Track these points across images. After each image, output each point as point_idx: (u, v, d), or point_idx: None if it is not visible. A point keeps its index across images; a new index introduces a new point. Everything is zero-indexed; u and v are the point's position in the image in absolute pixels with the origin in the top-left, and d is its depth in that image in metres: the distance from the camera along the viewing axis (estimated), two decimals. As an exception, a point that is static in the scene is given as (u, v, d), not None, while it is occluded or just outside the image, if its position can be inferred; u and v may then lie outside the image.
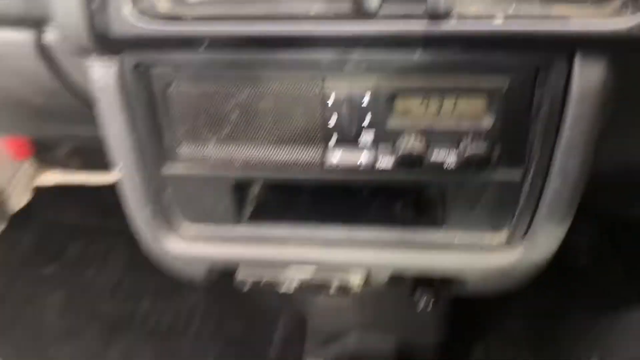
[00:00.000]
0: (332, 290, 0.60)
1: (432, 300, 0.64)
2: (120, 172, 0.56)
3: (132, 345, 1.30)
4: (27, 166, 1.57)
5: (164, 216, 0.59)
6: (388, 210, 0.59)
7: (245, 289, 0.61)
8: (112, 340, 1.31)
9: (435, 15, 0.43)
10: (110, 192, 1.55)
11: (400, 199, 0.60)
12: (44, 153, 1.56)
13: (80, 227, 1.49)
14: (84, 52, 0.48)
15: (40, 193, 1.57)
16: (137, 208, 0.58)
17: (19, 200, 1.54)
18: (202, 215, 0.59)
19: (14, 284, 1.41)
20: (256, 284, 0.60)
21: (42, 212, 1.53)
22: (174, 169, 0.55)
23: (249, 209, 0.60)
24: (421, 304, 0.65)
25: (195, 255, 0.60)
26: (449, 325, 1.19)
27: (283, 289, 0.61)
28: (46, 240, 1.49)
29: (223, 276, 0.61)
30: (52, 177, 1.58)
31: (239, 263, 0.60)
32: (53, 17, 0.47)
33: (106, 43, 0.47)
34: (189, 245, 0.59)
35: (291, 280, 0.60)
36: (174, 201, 0.58)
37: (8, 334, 1.33)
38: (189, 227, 0.60)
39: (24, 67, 0.54)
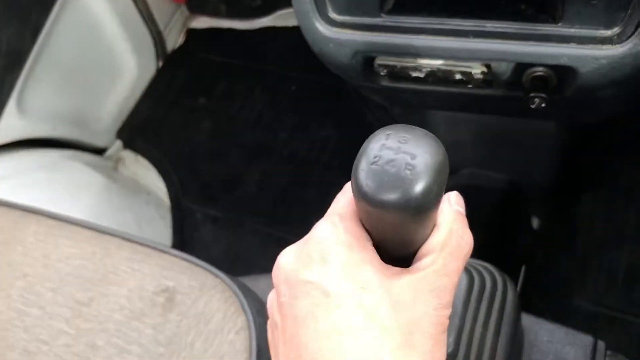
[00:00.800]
0: (457, 77, 0.70)
1: (546, 99, 0.72)
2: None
3: (269, 169, 1.49)
4: (182, 10, 1.74)
5: (319, 6, 0.71)
6: (512, 7, 0.67)
7: (383, 73, 0.73)
8: (252, 163, 1.50)
9: None
10: (252, 37, 1.71)
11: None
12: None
13: (227, 67, 1.67)
14: None
15: (193, 35, 1.75)
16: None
17: (174, 40, 1.73)
18: (349, 7, 0.70)
19: (172, 112, 1.63)
20: (392, 69, 0.72)
21: (194, 52, 1.72)
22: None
23: (389, 3, 0.70)
24: (535, 102, 0.73)
25: (342, 39, 0.71)
26: (559, 171, 1.26)
27: (414, 75, 0.72)
28: (198, 77, 1.68)
29: (365, 63, 0.73)
30: (203, 22, 1.75)
31: (378, 49, 0.71)
32: None
33: None
34: (337, 31, 0.71)
35: (421, 67, 0.71)
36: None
37: (168, 152, 1.55)
38: (338, 17, 0.71)
39: None
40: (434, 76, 0.72)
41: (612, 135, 1.33)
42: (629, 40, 0.63)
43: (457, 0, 0.68)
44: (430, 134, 0.36)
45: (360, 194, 0.35)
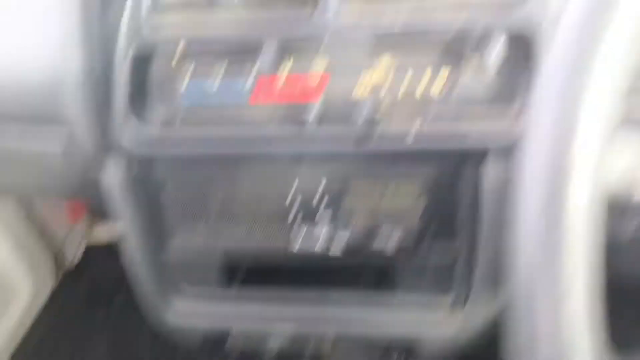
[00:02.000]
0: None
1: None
2: (128, 253, 0.69)
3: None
4: (81, 225, 1.73)
5: (161, 295, 0.71)
6: (355, 276, 0.69)
7: (238, 345, 0.73)
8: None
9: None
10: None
11: (365, 268, 0.70)
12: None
13: (127, 282, 1.63)
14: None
15: (91, 250, 1.73)
16: (142, 284, 0.71)
17: (72, 258, 1.70)
18: (195, 288, 0.71)
19: (68, 333, 1.56)
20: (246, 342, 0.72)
21: (93, 268, 1.68)
22: (170, 251, 0.68)
23: (237, 277, 0.71)
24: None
25: (189, 326, 0.72)
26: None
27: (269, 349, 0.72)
28: (96, 293, 1.63)
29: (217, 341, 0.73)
30: (103, 231, 1.73)
31: (230, 328, 0.71)
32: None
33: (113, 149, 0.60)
34: (184, 319, 0.72)
35: (272, 345, 0.71)
36: (169, 282, 0.71)
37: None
38: (183, 304, 0.72)
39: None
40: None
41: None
42: (462, 310, 0.65)
43: (302, 272, 0.70)
44: None
45: None
